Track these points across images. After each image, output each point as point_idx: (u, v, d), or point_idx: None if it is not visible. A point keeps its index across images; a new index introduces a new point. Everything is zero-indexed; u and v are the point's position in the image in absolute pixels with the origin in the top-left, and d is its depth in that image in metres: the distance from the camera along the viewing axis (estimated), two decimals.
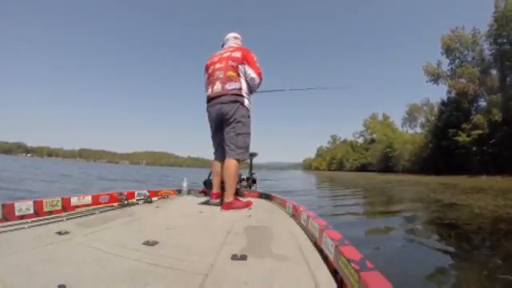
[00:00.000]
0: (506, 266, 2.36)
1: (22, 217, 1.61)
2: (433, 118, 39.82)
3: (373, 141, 64.84)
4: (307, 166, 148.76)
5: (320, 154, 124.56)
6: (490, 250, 3.05)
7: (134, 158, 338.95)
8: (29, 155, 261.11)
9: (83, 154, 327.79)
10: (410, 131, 52.99)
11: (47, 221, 1.58)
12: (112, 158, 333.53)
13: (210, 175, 2.97)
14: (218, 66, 2.49)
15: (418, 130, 49.78)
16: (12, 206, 1.58)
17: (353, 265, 0.81)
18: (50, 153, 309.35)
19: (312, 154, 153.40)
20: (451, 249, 2.93)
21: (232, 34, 2.73)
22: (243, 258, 1.10)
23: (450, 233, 3.68)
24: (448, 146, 28.18)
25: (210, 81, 2.52)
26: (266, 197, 2.93)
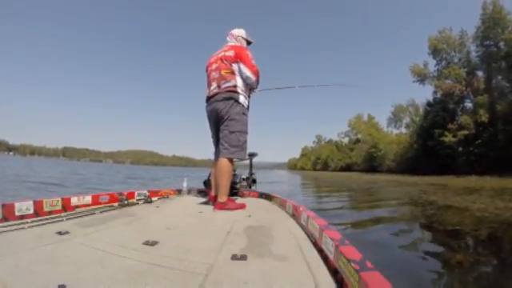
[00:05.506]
0: None
1: (22, 217, 1.60)
2: (418, 119, 40.11)
3: (358, 141, 64.58)
4: (292, 166, 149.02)
5: (305, 153, 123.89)
6: None
7: (118, 157, 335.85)
8: (11, 153, 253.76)
9: (67, 153, 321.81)
10: (396, 131, 53.33)
11: (47, 221, 1.58)
12: (96, 156, 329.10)
13: (210, 175, 2.90)
14: (213, 66, 2.52)
15: (404, 130, 50.15)
16: (12, 206, 1.57)
17: (353, 265, 0.81)
18: (33, 151, 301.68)
19: (297, 154, 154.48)
20: (470, 265, 2.39)
21: (230, 32, 2.69)
22: (243, 257, 1.09)
23: (459, 243, 3.17)
24: (433, 147, 28.31)
25: (208, 82, 2.57)
26: (266, 197, 2.93)
